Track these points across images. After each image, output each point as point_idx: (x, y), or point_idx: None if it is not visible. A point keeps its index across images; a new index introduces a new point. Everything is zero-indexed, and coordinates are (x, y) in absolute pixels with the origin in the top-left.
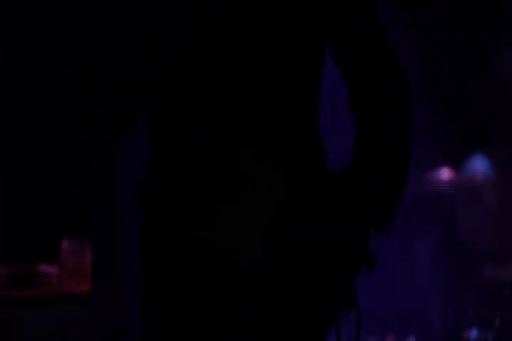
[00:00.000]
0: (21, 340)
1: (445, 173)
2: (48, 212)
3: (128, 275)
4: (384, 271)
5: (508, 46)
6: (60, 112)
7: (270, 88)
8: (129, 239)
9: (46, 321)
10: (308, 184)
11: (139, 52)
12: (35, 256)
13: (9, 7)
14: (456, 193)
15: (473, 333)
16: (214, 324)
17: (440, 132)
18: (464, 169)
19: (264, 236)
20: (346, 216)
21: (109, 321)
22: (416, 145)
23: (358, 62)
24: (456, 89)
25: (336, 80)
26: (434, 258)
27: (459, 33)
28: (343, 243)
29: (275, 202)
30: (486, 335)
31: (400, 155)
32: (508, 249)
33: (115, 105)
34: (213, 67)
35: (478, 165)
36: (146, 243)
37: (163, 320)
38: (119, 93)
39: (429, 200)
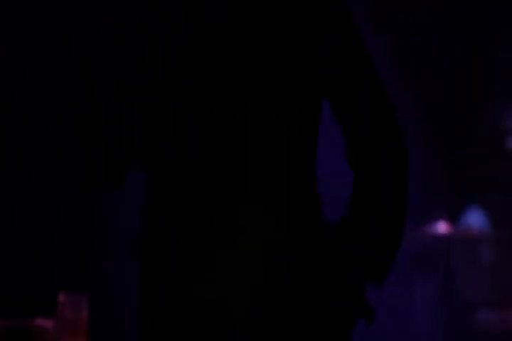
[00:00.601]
0: None
1: (441, 226)
2: (46, 263)
3: (126, 330)
4: (380, 323)
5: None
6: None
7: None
8: (128, 293)
9: None
10: (306, 235)
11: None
12: (31, 309)
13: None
14: (452, 246)
15: None
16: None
17: (437, 185)
18: (460, 222)
19: (263, 291)
20: (342, 267)
21: None
22: (413, 197)
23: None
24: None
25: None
26: (432, 310)
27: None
28: (340, 293)
29: (274, 256)
30: None
31: (398, 207)
32: (504, 300)
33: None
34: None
35: (475, 219)
36: (144, 300)
37: None
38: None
39: (426, 253)
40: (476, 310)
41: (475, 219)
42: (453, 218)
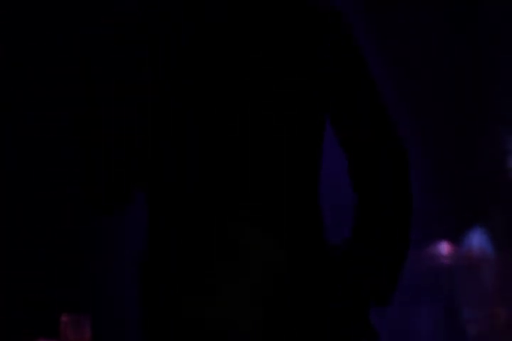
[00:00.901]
0: None
1: (443, 248)
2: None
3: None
4: None
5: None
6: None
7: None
8: (130, 314)
9: None
10: (307, 258)
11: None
12: (33, 331)
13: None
14: (455, 268)
15: None
16: None
17: (438, 206)
18: (462, 243)
19: (264, 314)
20: (346, 291)
21: None
22: (415, 218)
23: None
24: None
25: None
26: (434, 334)
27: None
28: (342, 318)
29: (274, 279)
30: None
31: (401, 228)
32: (508, 321)
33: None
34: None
35: (477, 240)
36: (145, 322)
37: None
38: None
39: (429, 274)
40: (477, 332)
41: (477, 241)
42: (455, 240)
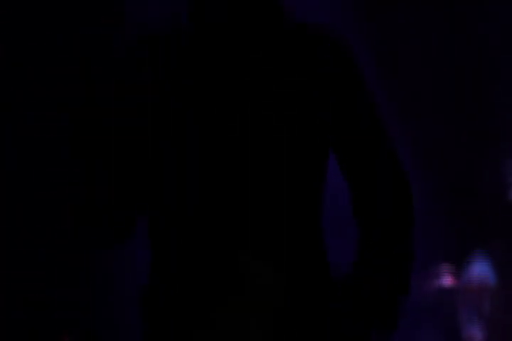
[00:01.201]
0: None
1: (446, 277)
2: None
3: None
4: None
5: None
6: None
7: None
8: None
9: None
10: (310, 290)
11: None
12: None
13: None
14: (456, 297)
15: None
16: None
17: (441, 234)
18: (464, 272)
19: None
20: (348, 321)
21: None
22: (417, 248)
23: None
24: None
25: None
26: None
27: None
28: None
29: (274, 309)
30: None
31: (403, 259)
32: None
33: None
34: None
35: (479, 269)
36: None
37: None
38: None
39: (430, 303)
40: None
41: (480, 269)
42: (456, 270)
